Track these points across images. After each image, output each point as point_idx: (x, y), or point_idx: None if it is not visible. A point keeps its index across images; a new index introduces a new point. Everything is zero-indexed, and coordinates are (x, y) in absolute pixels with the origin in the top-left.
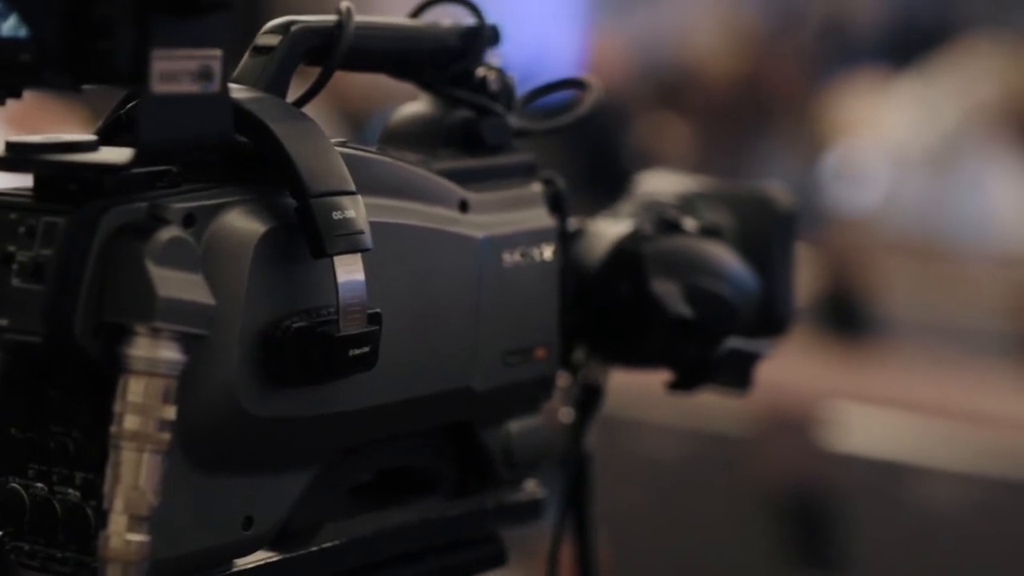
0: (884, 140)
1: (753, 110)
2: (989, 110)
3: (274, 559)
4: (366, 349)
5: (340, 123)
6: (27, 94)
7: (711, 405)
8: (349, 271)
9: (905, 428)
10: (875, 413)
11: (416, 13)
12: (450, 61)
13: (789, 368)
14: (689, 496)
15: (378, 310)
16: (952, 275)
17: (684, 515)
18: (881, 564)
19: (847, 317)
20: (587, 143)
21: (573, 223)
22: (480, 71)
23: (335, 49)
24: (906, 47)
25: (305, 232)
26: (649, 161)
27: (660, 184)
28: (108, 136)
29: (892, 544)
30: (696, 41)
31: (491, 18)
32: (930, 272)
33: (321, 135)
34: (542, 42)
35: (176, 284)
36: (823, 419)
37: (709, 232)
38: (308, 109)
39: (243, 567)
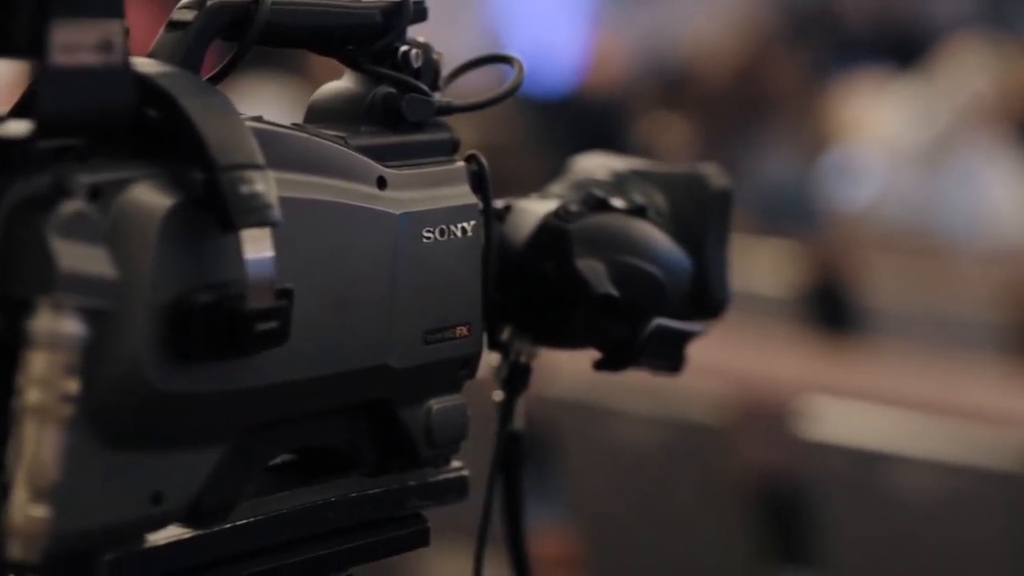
0: (880, 139)
1: (753, 108)
2: (982, 108)
3: (187, 535)
4: (274, 324)
5: None
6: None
7: (688, 394)
8: (257, 245)
9: (887, 421)
10: (856, 406)
11: None
12: (372, 37)
13: (773, 360)
14: (665, 486)
15: (289, 285)
16: (942, 270)
17: (659, 505)
18: (860, 559)
19: (835, 311)
20: (588, 140)
21: (500, 201)
22: (403, 47)
23: (251, 24)
24: (903, 47)
25: (212, 206)
26: (653, 158)
27: (594, 164)
28: (22, 112)
29: (872, 538)
30: (698, 40)
31: (497, 15)
32: (920, 267)
33: (231, 110)
34: (546, 40)
35: (78, 257)
36: (803, 411)
37: (636, 211)
38: (290, 93)
39: (155, 543)
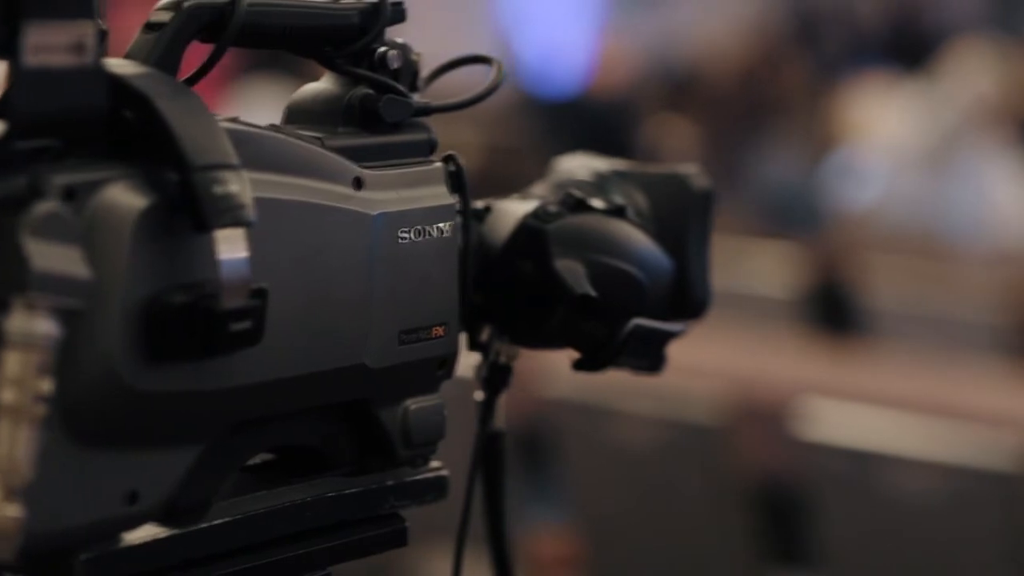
0: (885, 140)
1: (759, 111)
2: (985, 110)
3: (163, 535)
4: (248, 324)
5: None
6: None
7: (689, 395)
8: (231, 246)
9: (885, 422)
10: (855, 407)
11: None
12: (350, 39)
13: (774, 361)
14: (665, 486)
15: (263, 285)
16: (945, 271)
17: (659, 505)
18: (859, 559)
19: (837, 312)
20: (595, 142)
21: (480, 202)
22: (381, 49)
23: (228, 26)
24: (912, 49)
25: (187, 206)
26: (658, 160)
27: (576, 165)
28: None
29: (870, 538)
30: (704, 42)
31: (508, 18)
32: (923, 268)
33: (206, 111)
34: (555, 42)
35: (52, 257)
36: (803, 412)
37: (615, 211)
38: None
39: (131, 542)
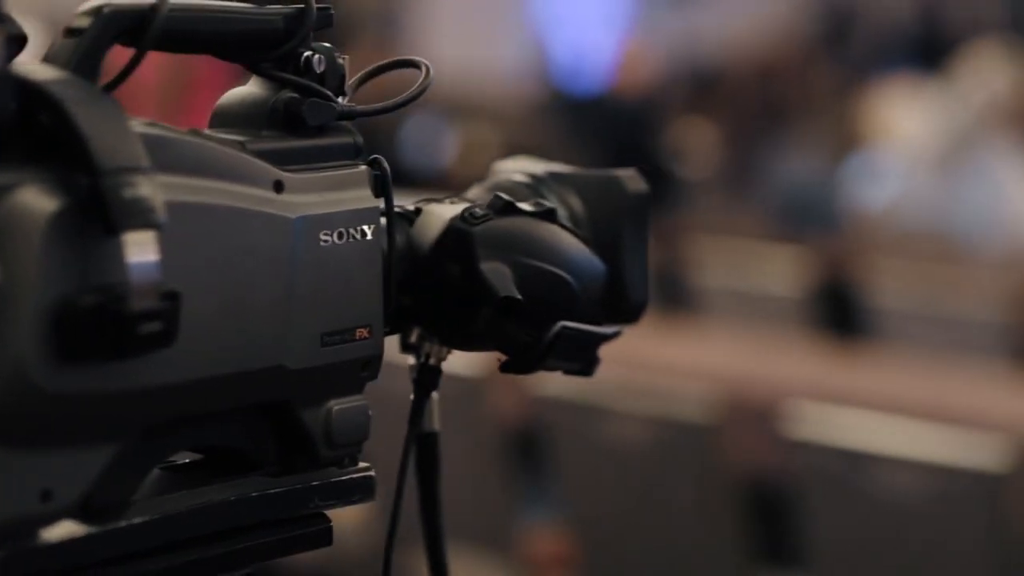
0: (902, 141)
1: (782, 112)
2: (999, 111)
3: (81, 533)
4: (159, 326)
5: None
6: None
7: (681, 393)
8: (141, 248)
9: (875, 422)
10: (847, 407)
11: None
12: (275, 43)
13: (769, 361)
14: (657, 485)
15: (175, 288)
16: (956, 273)
17: (651, 504)
18: (848, 558)
19: (843, 313)
20: (619, 142)
21: (411, 204)
22: (307, 53)
23: (148, 30)
24: (939, 52)
25: (97, 209)
26: (682, 160)
27: (513, 168)
28: None
29: (859, 538)
30: (731, 43)
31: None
32: (934, 270)
33: (120, 115)
34: (586, 42)
35: None
36: (794, 412)
37: (544, 214)
38: None
39: (49, 540)
